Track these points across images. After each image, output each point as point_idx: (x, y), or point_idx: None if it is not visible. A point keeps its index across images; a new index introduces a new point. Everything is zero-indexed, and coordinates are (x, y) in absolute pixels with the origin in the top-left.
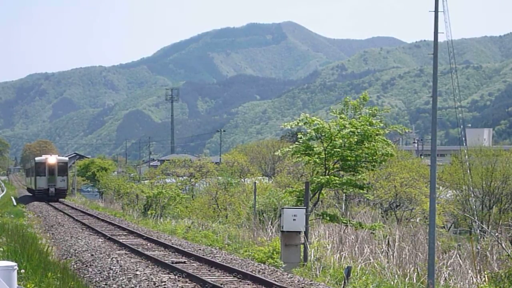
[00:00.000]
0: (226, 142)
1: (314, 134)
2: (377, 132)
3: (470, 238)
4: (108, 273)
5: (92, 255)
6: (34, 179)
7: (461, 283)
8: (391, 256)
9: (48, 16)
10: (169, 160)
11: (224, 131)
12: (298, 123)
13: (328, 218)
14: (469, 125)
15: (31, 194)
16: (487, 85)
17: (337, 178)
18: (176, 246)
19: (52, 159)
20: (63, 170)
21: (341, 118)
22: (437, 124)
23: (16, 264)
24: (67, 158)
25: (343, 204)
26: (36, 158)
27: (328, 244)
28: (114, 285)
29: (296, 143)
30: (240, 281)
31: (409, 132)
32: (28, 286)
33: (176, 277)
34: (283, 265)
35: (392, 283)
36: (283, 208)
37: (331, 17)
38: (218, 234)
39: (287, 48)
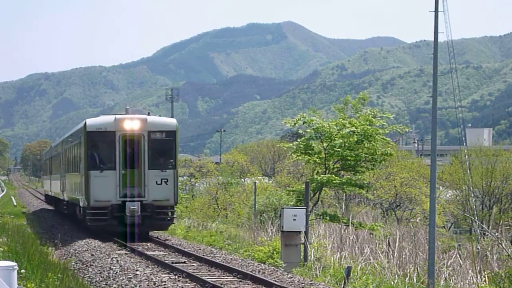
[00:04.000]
0: (226, 142)
1: (313, 133)
2: (377, 132)
3: (470, 238)
4: (108, 273)
5: (92, 255)
6: (84, 178)
7: (461, 283)
8: (391, 256)
9: (48, 16)
10: None
11: (224, 131)
12: (297, 121)
13: (328, 218)
14: (469, 125)
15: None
16: (487, 85)
17: (338, 178)
18: (176, 246)
19: (134, 123)
20: (164, 153)
21: (342, 117)
22: (437, 124)
23: (16, 264)
24: (174, 121)
25: (343, 204)
26: (89, 121)
27: (328, 244)
28: (114, 285)
29: (296, 142)
30: (240, 281)
31: (409, 132)
32: (28, 286)
33: (176, 277)
34: (283, 265)
35: (392, 283)
36: (283, 208)
37: (331, 17)
38: (218, 234)
39: (287, 48)
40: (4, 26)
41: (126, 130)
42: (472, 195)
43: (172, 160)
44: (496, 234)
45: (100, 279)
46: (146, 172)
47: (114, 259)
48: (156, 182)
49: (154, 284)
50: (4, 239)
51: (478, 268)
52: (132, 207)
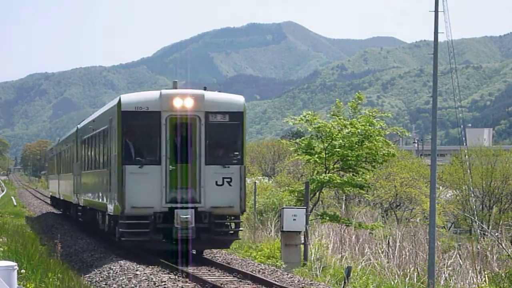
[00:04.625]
0: None
1: (314, 133)
2: (378, 133)
3: (470, 238)
4: (108, 273)
5: (92, 255)
6: (116, 176)
7: (461, 283)
8: (392, 256)
9: (48, 16)
10: None
11: None
12: (300, 120)
13: (328, 218)
14: (469, 125)
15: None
16: (487, 85)
17: (338, 178)
18: None
19: (187, 101)
20: (227, 142)
21: (340, 119)
22: (437, 124)
23: (16, 264)
24: (241, 99)
25: (343, 204)
26: (125, 98)
27: (329, 244)
28: (114, 285)
29: (298, 139)
30: (240, 281)
31: (409, 136)
32: (28, 286)
33: (176, 277)
34: (283, 265)
35: (393, 283)
36: (283, 208)
37: (331, 17)
38: None
39: (287, 48)
40: (4, 26)
41: (175, 110)
42: (472, 195)
43: (237, 153)
44: (496, 234)
45: (100, 279)
46: (202, 168)
47: (114, 259)
48: (216, 182)
49: (154, 284)
50: (4, 239)
51: (478, 268)
52: (184, 217)
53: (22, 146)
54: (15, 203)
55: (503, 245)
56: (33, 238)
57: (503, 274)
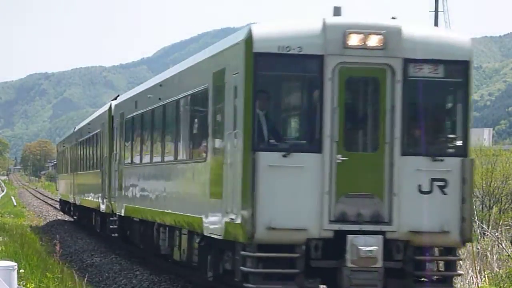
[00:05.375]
0: None
1: None
2: None
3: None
4: (108, 273)
5: (92, 255)
6: (241, 170)
7: (461, 283)
8: None
9: (48, 16)
10: None
11: None
12: None
13: None
14: None
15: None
16: (487, 85)
17: None
18: None
19: (371, 39)
20: (440, 115)
21: None
22: None
23: (16, 264)
24: (466, 40)
25: None
26: (258, 30)
27: None
28: (114, 285)
29: None
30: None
31: None
32: (28, 286)
33: (176, 277)
34: None
35: None
36: None
37: None
38: None
39: None
40: (4, 26)
41: (350, 54)
42: (472, 195)
43: (456, 135)
44: (496, 234)
45: (100, 279)
46: (396, 162)
47: (114, 259)
48: (420, 187)
49: (154, 284)
50: (4, 239)
51: (478, 268)
52: (366, 249)
53: (22, 146)
54: (15, 203)
55: (503, 245)
56: (32, 238)
57: (503, 274)
